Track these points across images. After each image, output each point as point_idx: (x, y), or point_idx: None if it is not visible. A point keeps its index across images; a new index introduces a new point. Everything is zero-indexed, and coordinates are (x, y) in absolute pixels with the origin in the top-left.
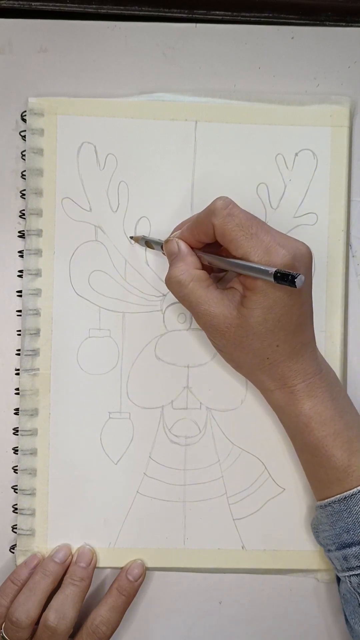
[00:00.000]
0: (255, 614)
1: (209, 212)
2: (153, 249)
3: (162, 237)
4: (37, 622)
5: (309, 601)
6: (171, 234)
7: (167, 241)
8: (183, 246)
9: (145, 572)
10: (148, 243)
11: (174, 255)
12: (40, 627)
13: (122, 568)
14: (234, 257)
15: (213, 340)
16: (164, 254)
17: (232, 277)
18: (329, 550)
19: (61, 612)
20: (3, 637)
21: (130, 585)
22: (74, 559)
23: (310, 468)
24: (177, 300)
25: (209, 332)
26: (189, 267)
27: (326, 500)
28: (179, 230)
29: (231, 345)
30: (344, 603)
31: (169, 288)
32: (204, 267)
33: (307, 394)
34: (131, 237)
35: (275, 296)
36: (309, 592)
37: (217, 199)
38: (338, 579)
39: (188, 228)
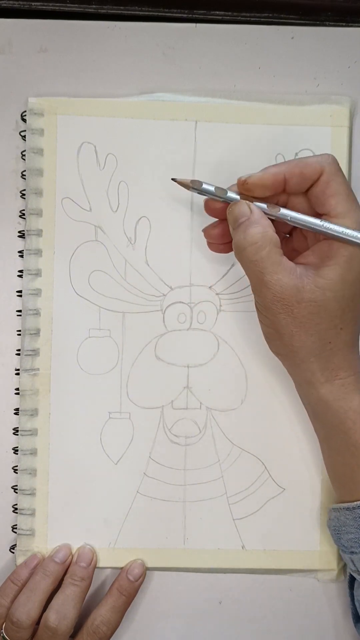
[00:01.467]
0: (255, 614)
1: (320, 158)
2: (208, 196)
3: (168, 231)
4: (38, 622)
5: (309, 601)
6: (230, 188)
7: (235, 204)
8: (256, 209)
9: (145, 572)
10: (202, 191)
11: (245, 218)
12: (41, 628)
13: (122, 568)
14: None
15: (273, 318)
16: (218, 199)
17: (303, 251)
18: (352, 552)
19: (62, 612)
20: (4, 637)
21: (131, 585)
22: (74, 558)
23: (346, 469)
24: (177, 300)
25: (275, 306)
26: (268, 229)
27: (356, 502)
28: (244, 180)
29: (297, 323)
30: (352, 590)
31: (237, 253)
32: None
33: (358, 387)
34: (174, 179)
35: (358, 271)
36: (309, 592)
37: (325, 153)
38: (350, 582)
39: (276, 167)
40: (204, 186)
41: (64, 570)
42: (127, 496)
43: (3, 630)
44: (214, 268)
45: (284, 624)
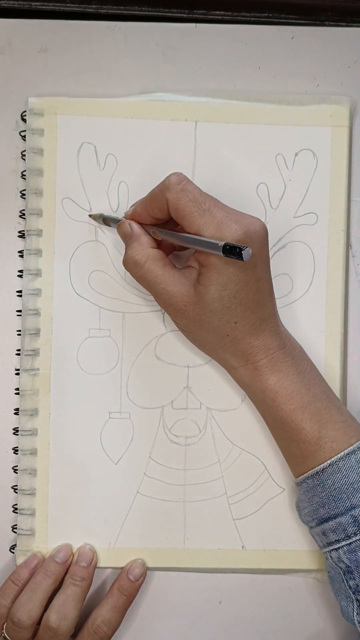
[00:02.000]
0: (255, 614)
1: (163, 187)
2: (110, 226)
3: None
4: (39, 622)
5: (309, 601)
6: (126, 212)
7: (119, 224)
8: (135, 226)
9: (146, 571)
10: (105, 221)
11: (128, 237)
12: (42, 628)
13: (122, 568)
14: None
15: (174, 319)
16: (117, 226)
17: (189, 256)
18: (310, 527)
19: (62, 612)
20: (5, 637)
21: (131, 584)
22: (75, 558)
23: (283, 445)
24: None
25: (169, 311)
26: (144, 247)
27: (301, 477)
28: (132, 207)
29: (191, 323)
30: (331, 582)
31: (127, 269)
32: (161, 246)
33: (270, 368)
34: (89, 215)
35: (228, 272)
36: (309, 592)
37: (171, 174)
38: (330, 577)
39: (142, 203)
40: (104, 216)
41: (65, 570)
42: (127, 496)
43: (4, 630)
44: None
45: (284, 624)
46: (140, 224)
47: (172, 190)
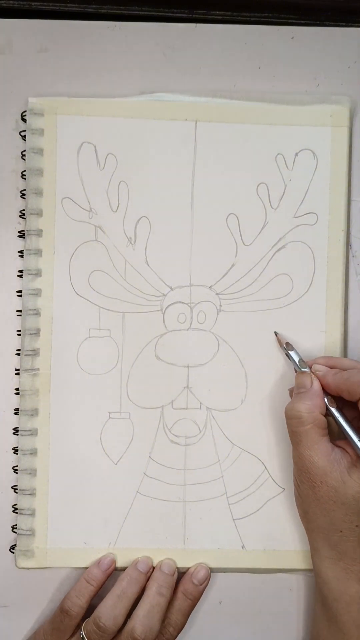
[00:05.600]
0: (255, 614)
1: None
2: (287, 358)
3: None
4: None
5: (309, 601)
6: (314, 360)
7: (302, 373)
8: (317, 386)
9: (209, 574)
10: (288, 354)
11: (304, 390)
12: (125, 637)
13: (187, 571)
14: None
15: (299, 481)
16: (295, 370)
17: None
18: None
19: (148, 625)
20: (83, 637)
21: (195, 588)
22: (160, 567)
23: (322, 633)
24: (177, 300)
25: (301, 475)
26: (315, 409)
27: None
28: (320, 364)
29: (316, 498)
30: None
31: (286, 415)
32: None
33: (359, 578)
34: (275, 333)
35: None
36: (309, 592)
37: None
38: None
39: (334, 376)
40: (291, 353)
41: (147, 579)
42: (127, 496)
43: (83, 631)
44: (214, 268)
45: (284, 624)
46: (322, 384)
47: None
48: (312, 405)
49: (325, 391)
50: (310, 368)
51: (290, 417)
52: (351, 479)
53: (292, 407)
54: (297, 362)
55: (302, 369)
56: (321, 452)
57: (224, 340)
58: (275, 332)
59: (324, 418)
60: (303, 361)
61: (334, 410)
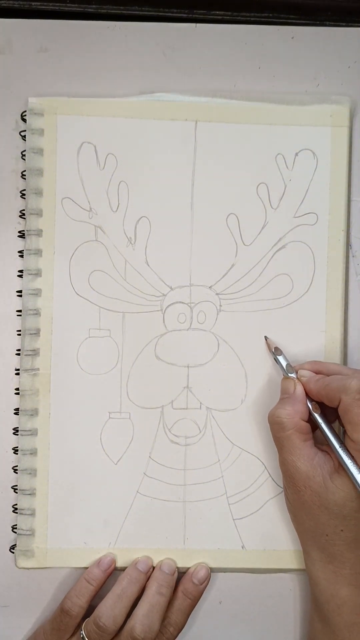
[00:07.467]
0: (255, 614)
1: (341, 386)
2: (276, 362)
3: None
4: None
5: (309, 601)
6: (300, 365)
7: (287, 379)
8: (299, 392)
9: (210, 574)
10: (276, 358)
11: (287, 395)
12: (125, 636)
13: (187, 571)
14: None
15: (286, 487)
16: (283, 375)
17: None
18: None
19: (147, 624)
20: (83, 637)
21: (195, 588)
22: (160, 567)
23: (317, 634)
24: (177, 300)
25: (287, 480)
26: (295, 415)
27: None
28: (306, 370)
29: (301, 502)
30: None
31: (268, 421)
32: (310, 419)
33: (349, 582)
34: (265, 337)
35: None
36: (309, 592)
37: (356, 377)
38: None
39: (316, 382)
40: (279, 358)
41: (147, 579)
42: (127, 496)
43: (83, 631)
44: (214, 268)
45: (283, 624)
46: (305, 390)
47: (349, 394)
48: (292, 411)
49: (310, 397)
50: (297, 373)
51: (272, 423)
52: (333, 485)
53: (273, 413)
54: (284, 367)
55: (289, 374)
56: (303, 457)
57: (224, 340)
58: (265, 337)
59: (305, 423)
60: (290, 366)
61: (317, 416)
